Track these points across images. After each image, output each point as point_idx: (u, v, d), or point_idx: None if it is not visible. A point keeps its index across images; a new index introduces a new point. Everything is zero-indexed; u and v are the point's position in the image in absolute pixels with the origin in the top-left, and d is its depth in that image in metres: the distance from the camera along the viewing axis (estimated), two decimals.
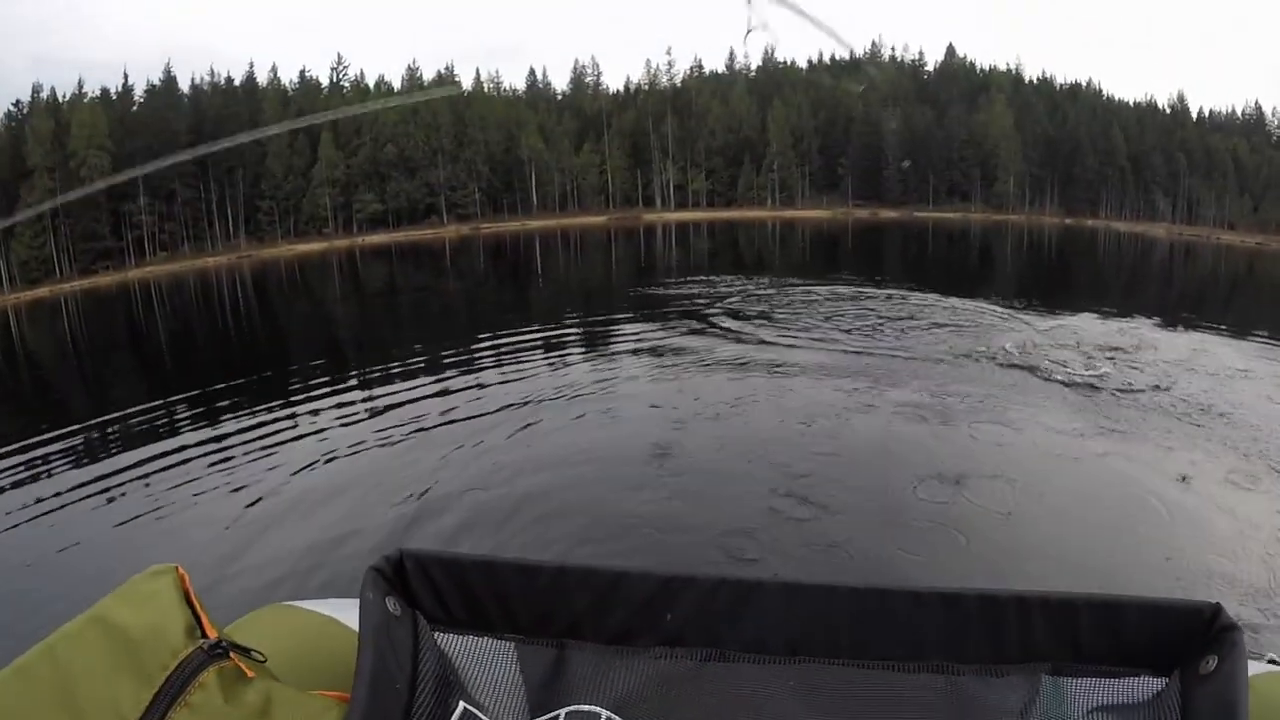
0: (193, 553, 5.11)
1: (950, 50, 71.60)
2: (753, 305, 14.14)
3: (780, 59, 73.56)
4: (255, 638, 0.49)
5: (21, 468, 8.02)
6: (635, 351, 10.67)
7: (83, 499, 6.72)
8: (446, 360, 11.41)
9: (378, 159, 60.07)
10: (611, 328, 13.35)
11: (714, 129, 68.33)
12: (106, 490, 6.89)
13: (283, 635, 0.50)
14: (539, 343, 12.05)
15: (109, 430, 9.61)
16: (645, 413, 7.73)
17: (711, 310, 13.71)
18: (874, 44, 73.65)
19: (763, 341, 10.77)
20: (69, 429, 9.43)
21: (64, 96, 59.78)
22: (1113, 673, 0.50)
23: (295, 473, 6.68)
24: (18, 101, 59.37)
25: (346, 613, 0.60)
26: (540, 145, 63.41)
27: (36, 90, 59.67)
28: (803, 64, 73.33)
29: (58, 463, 8.06)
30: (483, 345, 12.31)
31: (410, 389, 9.68)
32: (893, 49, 72.96)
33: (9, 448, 8.70)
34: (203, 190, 58.56)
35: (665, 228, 57.57)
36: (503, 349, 11.71)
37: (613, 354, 10.85)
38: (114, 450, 8.54)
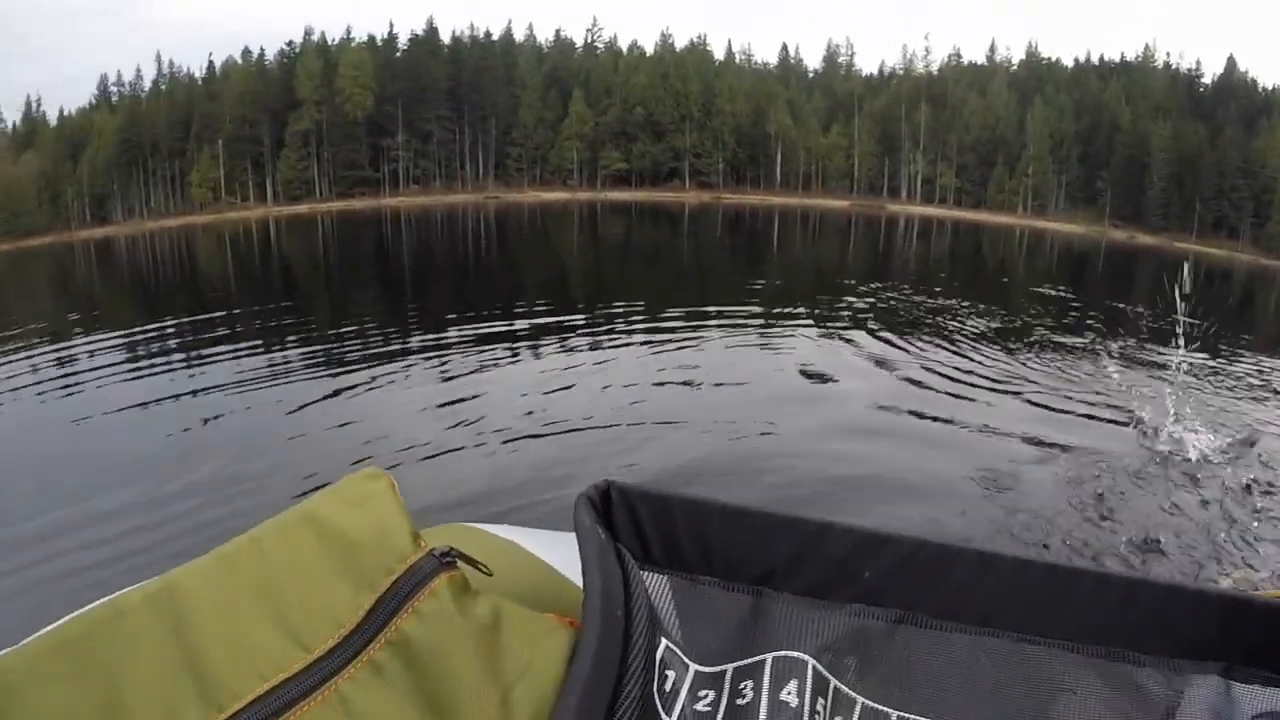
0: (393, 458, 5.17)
1: (1231, 63, 61.10)
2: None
3: (1044, 55, 66.67)
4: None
5: (260, 350, 9.11)
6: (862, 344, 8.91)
7: (307, 386, 7.16)
8: (668, 317, 10.90)
9: (626, 120, 60.23)
10: (837, 314, 11.39)
11: (968, 123, 62.48)
12: (329, 383, 7.22)
13: (478, 554, 0.47)
14: (761, 316, 11.10)
15: (344, 329, 10.33)
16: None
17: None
18: (1147, 47, 64.74)
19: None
20: (308, 319, 10.91)
21: (334, 40, 64.36)
22: None
23: (505, 398, 6.57)
24: (290, 42, 65.04)
25: (528, 539, 0.60)
26: (788, 121, 60.87)
27: (309, 32, 64.61)
28: (1068, 62, 65.91)
29: (293, 353, 8.92)
30: (709, 310, 11.67)
31: (624, 338, 9.43)
32: (1166, 55, 63.52)
33: (250, 341, 9.75)
34: (457, 133, 61.09)
35: (908, 220, 53.15)
36: (726, 316, 11.03)
37: (832, 347, 9.02)
38: (344, 350, 9.00)
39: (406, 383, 7.19)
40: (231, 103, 61.36)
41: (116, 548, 4.00)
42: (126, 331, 12.10)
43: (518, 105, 60.45)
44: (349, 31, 64.94)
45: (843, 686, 0.49)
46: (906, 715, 0.49)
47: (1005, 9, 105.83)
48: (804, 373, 7.31)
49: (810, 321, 10.66)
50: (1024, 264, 30.60)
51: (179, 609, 0.39)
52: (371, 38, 64.11)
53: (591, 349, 8.64)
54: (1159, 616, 0.50)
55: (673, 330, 9.66)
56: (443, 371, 7.59)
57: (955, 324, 10.45)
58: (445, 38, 63.94)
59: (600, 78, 62.45)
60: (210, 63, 65.65)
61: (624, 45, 66.77)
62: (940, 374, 7.34)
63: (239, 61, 64.39)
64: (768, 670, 0.49)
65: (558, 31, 67.18)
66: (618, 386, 6.88)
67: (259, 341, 9.87)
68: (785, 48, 72.28)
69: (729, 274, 18.37)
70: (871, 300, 12.49)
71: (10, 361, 9.86)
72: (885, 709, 0.49)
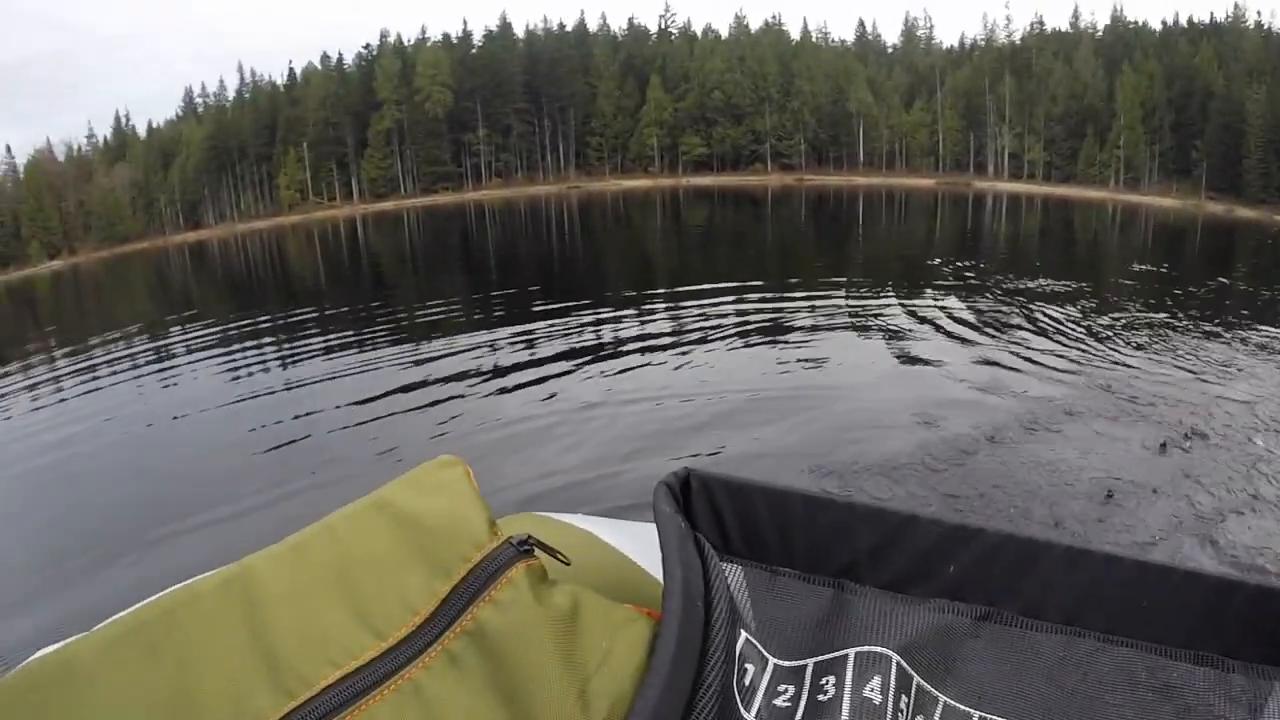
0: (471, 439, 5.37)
1: None
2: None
3: (1130, 19, 63.50)
4: None
5: (351, 334, 9.71)
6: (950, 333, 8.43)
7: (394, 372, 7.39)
8: (749, 301, 10.80)
9: (704, 104, 59.67)
10: (925, 300, 10.91)
11: (1055, 94, 59.64)
12: (413, 371, 7.37)
13: (553, 543, 0.46)
14: (845, 302, 10.85)
15: (430, 320, 10.64)
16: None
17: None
18: (1237, 6, 61.03)
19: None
20: (397, 310, 11.21)
21: (409, 41, 65.44)
22: None
23: (587, 380, 6.52)
24: (367, 44, 66.65)
25: (605, 529, 0.59)
26: (869, 99, 59.32)
27: (384, 35, 65.95)
28: (1155, 25, 62.52)
29: (382, 340, 9.20)
30: (793, 292, 11.60)
31: (706, 322, 9.36)
32: (1258, 14, 59.59)
33: (341, 329, 10.39)
34: (536, 125, 61.62)
35: (996, 198, 51.42)
36: (816, 297, 10.94)
37: (918, 334, 8.53)
38: (426, 338, 9.20)
39: (495, 367, 7.39)
40: (314, 106, 63.03)
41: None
42: (222, 326, 12.80)
43: (595, 95, 60.55)
44: (424, 31, 66.09)
45: (926, 684, 0.48)
46: (988, 716, 0.48)
47: None
48: (899, 356, 7.13)
49: (897, 305, 10.32)
50: (1118, 242, 29.48)
51: (251, 595, 0.39)
52: (446, 36, 65.12)
53: (675, 335, 8.65)
54: (1250, 619, 0.49)
55: (759, 313, 9.57)
56: (531, 354, 7.77)
57: (1044, 307, 9.90)
58: (519, 32, 64.63)
59: (676, 64, 61.93)
60: (291, 69, 67.60)
61: (698, 29, 66.15)
62: (1033, 360, 6.88)
63: (318, 67, 66.06)
64: (850, 666, 0.48)
65: (630, 19, 67.05)
66: (704, 370, 6.87)
67: (350, 330, 10.41)
68: (862, 23, 70.85)
69: (814, 257, 18.21)
70: (960, 284, 12.12)
71: (114, 357, 10.54)
72: (967, 709, 0.48)
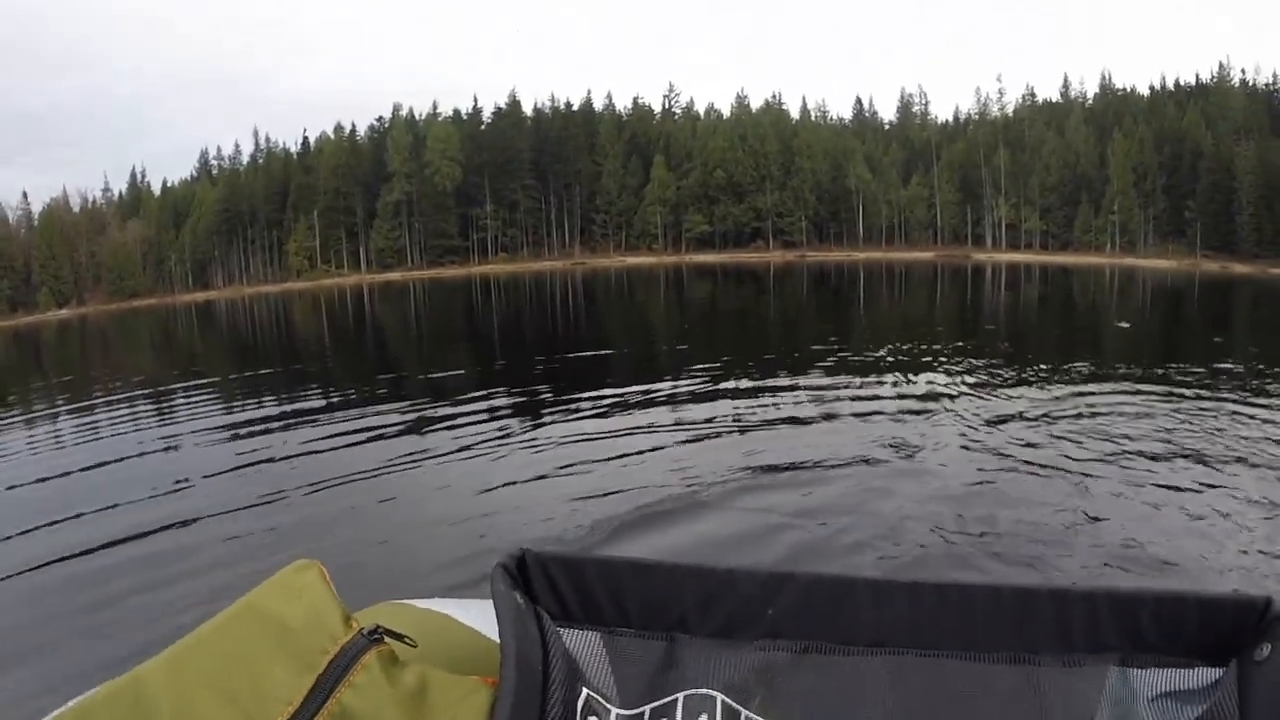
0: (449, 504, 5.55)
1: None
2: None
3: (1119, 85, 64.99)
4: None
5: (355, 400, 10.03)
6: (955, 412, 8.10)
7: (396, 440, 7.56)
8: (749, 374, 10.90)
9: (707, 182, 60.95)
10: (925, 372, 10.67)
11: (1049, 163, 61.01)
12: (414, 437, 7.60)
13: (407, 627, 0.52)
14: (847, 375, 10.70)
15: (434, 385, 11.07)
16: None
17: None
18: (1221, 66, 62.51)
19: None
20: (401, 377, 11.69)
21: (420, 115, 67.00)
22: (1173, 663, 0.53)
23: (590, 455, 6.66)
24: (380, 117, 68.71)
25: (457, 609, 0.64)
26: (867, 175, 60.73)
27: (396, 109, 67.64)
28: (1144, 90, 63.96)
29: (386, 406, 9.28)
30: (795, 367, 11.47)
31: (706, 395, 9.40)
32: (1241, 71, 60.37)
33: (348, 390, 10.93)
34: (543, 201, 62.72)
35: (995, 268, 51.98)
36: (810, 375, 10.74)
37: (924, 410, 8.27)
38: (423, 404, 9.44)
39: (495, 443, 7.24)
40: (326, 175, 64.42)
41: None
42: (223, 384, 13.39)
43: (600, 172, 61.88)
44: (435, 106, 67.74)
45: (753, 715, 0.53)
46: None
47: (1071, 39, 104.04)
48: (892, 444, 6.62)
49: (898, 383, 10.00)
50: (1117, 305, 29.84)
51: (141, 704, 0.43)
52: (457, 111, 66.90)
53: (673, 409, 8.50)
54: (1054, 620, 0.54)
55: (755, 392, 9.38)
56: (534, 432, 7.66)
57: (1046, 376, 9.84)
58: (527, 109, 66.15)
59: (679, 142, 63.47)
60: (305, 138, 69.15)
61: (700, 109, 68.14)
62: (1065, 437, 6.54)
63: (331, 136, 67.63)
64: (680, 707, 0.54)
65: (635, 98, 68.54)
66: (698, 450, 6.65)
67: (352, 393, 10.68)
68: (859, 100, 72.17)
69: (814, 333, 18.19)
70: (960, 361, 11.72)
71: (120, 413, 10.87)
72: None
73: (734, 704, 0.54)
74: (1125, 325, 18.45)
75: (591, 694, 0.54)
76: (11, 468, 8.32)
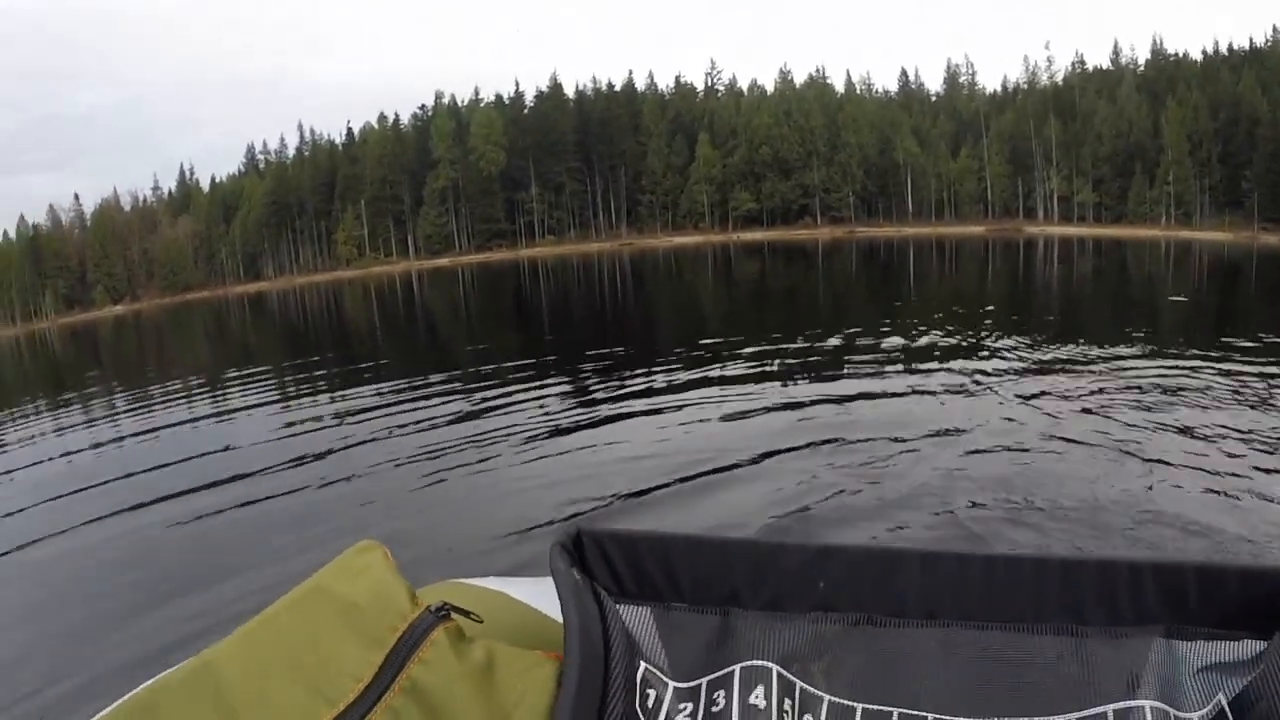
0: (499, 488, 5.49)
1: None
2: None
3: (1171, 51, 62.35)
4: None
5: (405, 384, 9.94)
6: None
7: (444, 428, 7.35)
8: (795, 352, 10.70)
9: (753, 159, 60.44)
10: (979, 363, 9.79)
11: (1100, 133, 58.71)
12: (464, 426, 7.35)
13: (469, 605, 0.53)
14: (898, 351, 10.39)
15: (482, 367, 11.00)
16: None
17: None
18: (1275, 29, 59.82)
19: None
20: (451, 371, 11.12)
21: (463, 101, 67.45)
22: (1217, 635, 0.53)
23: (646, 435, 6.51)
24: (423, 105, 69.11)
25: (515, 588, 0.65)
26: (915, 149, 59.48)
27: (439, 95, 68.01)
28: (1196, 55, 61.21)
29: (436, 397, 9.03)
30: (844, 345, 11.14)
31: (749, 379, 8.98)
32: None
33: (397, 374, 10.99)
34: (588, 183, 63.00)
35: (1047, 242, 50.47)
36: (860, 355, 10.37)
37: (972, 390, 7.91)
38: (477, 392, 9.16)
39: (546, 424, 7.20)
40: (371, 165, 65.21)
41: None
42: (276, 371, 13.59)
43: (645, 152, 61.76)
44: (477, 92, 68.09)
45: (808, 687, 0.54)
46: (870, 706, 0.54)
47: (1121, 3, 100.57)
48: (940, 417, 6.47)
49: (946, 358, 9.72)
50: (1173, 279, 28.98)
51: (215, 683, 0.44)
52: (499, 96, 67.08)
53: (722, 387, 8.38)
54: (1100, 590, 0.54)
55: (804, 370, 9.27)
56: (583, 410, 7.59)
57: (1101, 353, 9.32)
58: (569, 92, 66.13)
59: (724, 120, 62.93)
60: (349, 128, 69.99)
61: (744, 85, 67.38)
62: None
63: (375, 126, 68.37)
64: (736, 679, 0.54)
65: (678, 77, 68.14)
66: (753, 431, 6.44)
67: (402, 378, 10.58)
68: (905, 72, 70.54)
69: (864, 310, 17.88)
70: (1010, 336, 11.24)
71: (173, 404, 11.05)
72: (850, 703, 0.54)
73: (790, 675, 0.55)
74: (1181, 299, 18.01)
75: (649, 667, 0.55)
76: (79, 460, 8.41)
